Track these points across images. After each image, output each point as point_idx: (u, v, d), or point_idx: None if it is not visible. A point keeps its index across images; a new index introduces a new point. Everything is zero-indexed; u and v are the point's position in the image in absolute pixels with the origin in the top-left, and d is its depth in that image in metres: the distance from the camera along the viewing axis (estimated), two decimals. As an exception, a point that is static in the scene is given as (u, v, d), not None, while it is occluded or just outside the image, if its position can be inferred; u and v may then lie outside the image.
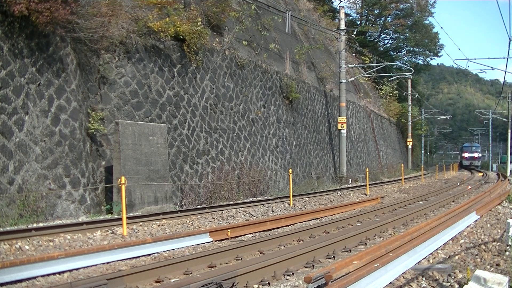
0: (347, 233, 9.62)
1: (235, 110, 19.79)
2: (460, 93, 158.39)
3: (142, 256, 8.37)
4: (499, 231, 9.67)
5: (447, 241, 8.54)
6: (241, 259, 7.92)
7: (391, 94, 46.94)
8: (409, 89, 52.11)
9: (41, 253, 8.03)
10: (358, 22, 57.67)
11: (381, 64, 35.15)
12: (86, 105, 13.50)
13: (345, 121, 28.30)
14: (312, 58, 31.16)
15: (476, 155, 74.92)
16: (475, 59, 29.00)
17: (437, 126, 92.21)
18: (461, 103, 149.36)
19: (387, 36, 62.96)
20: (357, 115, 36.36)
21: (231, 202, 15.36)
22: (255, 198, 17.53)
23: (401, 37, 61.57)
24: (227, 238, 10.01)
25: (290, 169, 16.59)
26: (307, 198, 17.28)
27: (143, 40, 15.38)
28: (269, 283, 6.33)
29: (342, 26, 29.34)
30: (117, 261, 7.95)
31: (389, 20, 58.79)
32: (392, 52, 62.53)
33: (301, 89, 26.28)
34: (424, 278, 5.97)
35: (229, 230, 10.19)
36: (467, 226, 10.30)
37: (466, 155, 75.39)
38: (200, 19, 17.48)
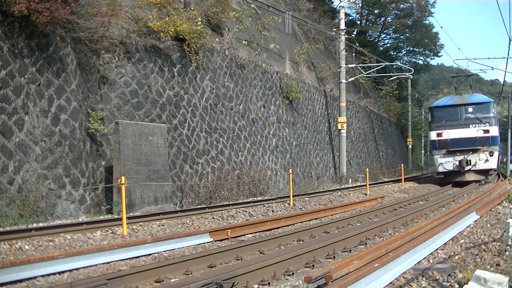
0: (347, 233, 9.61)
1: (235, 110, 19.78)
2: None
3: (142, 256, 8.37)
4: (499, 231, 9.66)
5: (447, 241, 8.53)
6: (241, 259, 7.92)
7: (391, 94, 46.92)
8: (409, 89, 52.08)
9: (41, 253, 8.02)
10: (358, 22, 57.64)
11: (381, 64, 35.11)
12: (86, 105, 13.50)
13: (345, 121, 28.29)
14: (312, 58, 31.15)
15: (481, 131, 24.10)
16: (475, 59, 29.14)
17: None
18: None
19: (387, 36, 62.91)
20: (357, 115, 36.35)
21: (231, 202, 15.35)
22: (255, 198, 17.52)
23: (401, 37, 61.54)
24: (227, 238, 10.01)
25: (290, 169, 16.59)
26: (307, 198, 17.27)
27: (143, 40, 15.39)
28: (269, 283, 6.33)
29: (342, 26, 29.32)
30: (117, 261, 7.95)
31: (389, 20, 58.78)
32: (392, 52, 62.49)
33: (301, 89, 26.28)
34: (424, 278, 5.96)
35: (229, 230, 10.18)
36: (467, 226, 10.29)
37: (448, 134, 24.52)
38: (200, 19, 17.49)
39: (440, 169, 24.42)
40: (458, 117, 24.58)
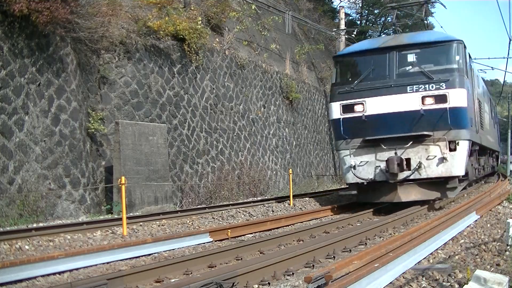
0: (347, 233, 9.60)
1: (235, 110, 19.78)
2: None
3: (142, 256, 8.37)
4: (499, 231, 9.65)
5: (447, 241, 8.53)
6: (241, 259, 7.92)
7: (391, 94, 46.85)
8: (409, 89, 51.97)
9: (41, 253, 8.02)
10: (358, 22, 57.63)
11: (381, 64, 35.03)
12: (86, 105, 13.50)
13: (345, 121, 28.20)
14: (312, 58, 31.15)
15: (431, 99, 11.89)
16: (475, 59, 28.99)
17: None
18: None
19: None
20: (357, 115, 36.33)
21: (231, 202, 15.35)
22: (255, 198, 17.52)
23: (401, 37, 61.46)
24: (227, 238, 10.00)
25: (290, 169, 16.59)
26: (307, 198, 17.27)
27: (143, 40, 15.39)
28: (269, 283, 6.33)
29: (342, 26, 29.33)
30: (117, 261, 7.95)
31: (389, 20, 58.75)
32: (392, 52, 62.38)
33: (301, 89, 26.28)
34: (424, 278, 5.95)
35: (229, 230, 10.18)
36: (467, 226, 10.28)
37: (365, 107, 12.48)
38: (200, 19, 17.50)
39: (351, 178, 12.86)
40: (386, 73, 12.54)
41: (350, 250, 8.46)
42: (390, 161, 12.10)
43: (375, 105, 12.48)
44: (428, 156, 12.22)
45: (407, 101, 12.20)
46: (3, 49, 10.98)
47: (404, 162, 12.18)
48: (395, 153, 12.31)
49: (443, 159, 12.11)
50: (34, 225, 10.27)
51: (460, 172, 12.35)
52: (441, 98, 12.02)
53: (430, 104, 12.06)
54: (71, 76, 12.77)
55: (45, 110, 11.95)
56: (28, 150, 11.32)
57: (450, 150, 12.10)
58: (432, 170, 12.20)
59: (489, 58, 43.15)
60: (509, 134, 52.64)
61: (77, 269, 7.37)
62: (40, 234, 9.06)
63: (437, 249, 7.85)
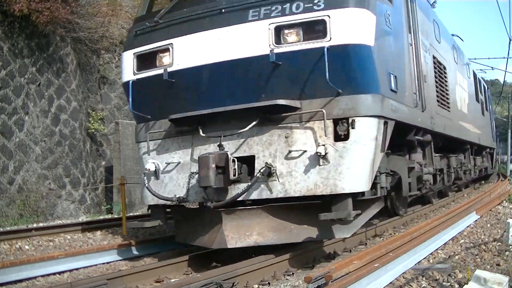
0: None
1: (235, 110, 19.80)
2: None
3: (142, 256, 8.37)
4: (499, 231, 9.65)
5: (447, 241, 8.53)
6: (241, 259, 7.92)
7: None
8: (409, 89, 51.75)
9: (41, 253, 8.02)
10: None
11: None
12: (86, 105, 13.50)
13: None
14: (312, 58, 31.16)
15: (294, 35, 5.74)
16: (475, 59, 28.98)
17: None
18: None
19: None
20: (357, 115, 36.25)
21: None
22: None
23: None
24: (227, 238, 9.98)
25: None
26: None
27: (143, 40, 15.41)
28: (269, 283, 6.32)
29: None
30: (117, 261, 7.95)
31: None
32: (392, 52, 62.30)
33: (301, 89, 26.28)
34: (424, 278, 5.96)
35: (229, 230, 10.16)
36: (467, 226, 10.28)
37: (172, 57, 6.36)
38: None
39: (149, 196, 7.41)
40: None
41: (350, 250, 8.47)
42: (202, 163, 6.14)
43: (190, 50, 6.49)
44: (290, 151, 6.15)
45: (248, 38, 6.15)
46: (3, 49, 10.98)
47: (234, 165, 6.25)
48: (220, 146, 6.42)
49: (319, 158, 6.01)
50: (34, 225, 10.28)
51: (358, 185, 6.26)
52: (314, 28, 5.98)
53: (292, 43, 6.05)
54: (71, 76, 12.77)
55: (45, 110, 11.95)
56: (28, 150, 11.32)
57: (337, 138, 6.06)
58: (297, 182, 6.17)
59: (489, 58, 43.25)
60: (509, 134, 52.62)
61: (77, 269, 7.38)
62: (40, 234, 9.06)
63: (437, 249, 7.86)
